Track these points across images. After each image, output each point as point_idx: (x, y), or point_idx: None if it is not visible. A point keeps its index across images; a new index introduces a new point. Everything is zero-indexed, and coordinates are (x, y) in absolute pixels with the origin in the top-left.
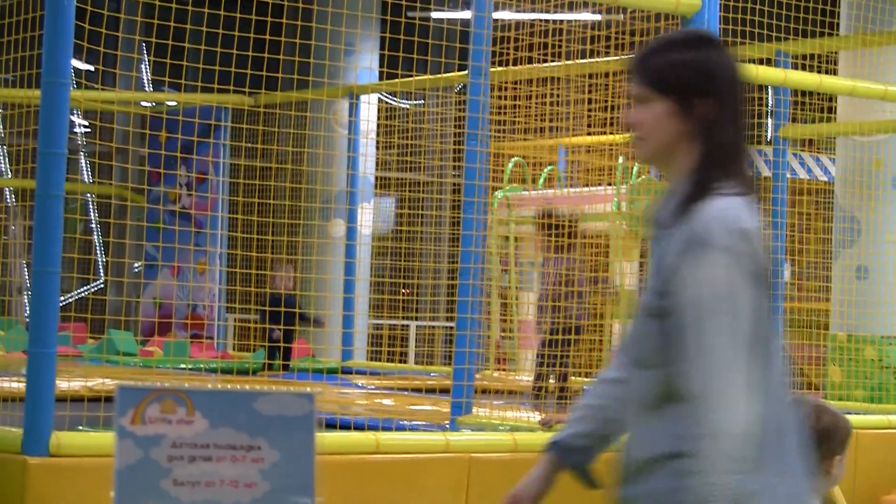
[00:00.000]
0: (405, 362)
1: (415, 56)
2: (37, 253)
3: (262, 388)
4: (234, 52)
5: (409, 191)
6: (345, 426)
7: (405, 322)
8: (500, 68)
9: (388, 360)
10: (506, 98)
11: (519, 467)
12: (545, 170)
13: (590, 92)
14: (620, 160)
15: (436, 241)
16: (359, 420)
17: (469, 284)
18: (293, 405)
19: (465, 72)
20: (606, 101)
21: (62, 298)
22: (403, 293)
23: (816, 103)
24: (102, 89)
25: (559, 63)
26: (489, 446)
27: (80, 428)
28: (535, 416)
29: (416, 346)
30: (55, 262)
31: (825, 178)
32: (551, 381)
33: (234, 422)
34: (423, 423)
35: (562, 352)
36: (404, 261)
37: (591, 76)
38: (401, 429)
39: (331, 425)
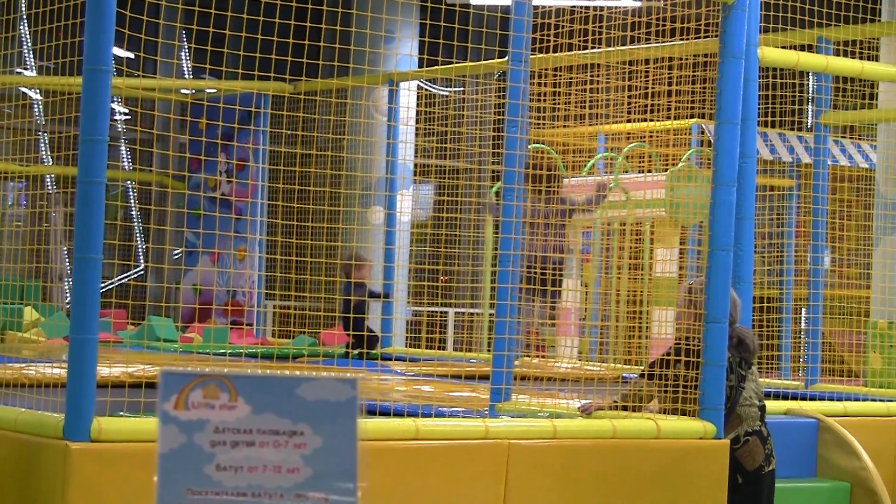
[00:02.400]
0: (444, 349)
1: (454, 43)
2: (78, 239)
3: (305, 373)
4: (274, 38)
5: (449, 178)
6: (384, 412)
7: (444, 309)
8: (540, 55)
9: (426, 347)
10: (545, 85)
11: (558, 454)
12: (596, 157)
13: (630, 79)
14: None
15: (475, 228)
16: (398, 406)
17: (508, 271)
18: (336, 390)
19: (505, 59)
20: (646, 89)
21: (103, 285)
22: (441, 280)
23: (857, 90)
24: (143, 76)
25: (599, 50)
26: (528, 433)
27: (122, 413)
28: (575, 403)
29: (454, 333)
30: (97, 248)
31: (866, 165)
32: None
33: (276, 407)
34: (463, 409)
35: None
36: (444, 247)
37: (631, 63)
38: (440, 415)
39: (371, 412)
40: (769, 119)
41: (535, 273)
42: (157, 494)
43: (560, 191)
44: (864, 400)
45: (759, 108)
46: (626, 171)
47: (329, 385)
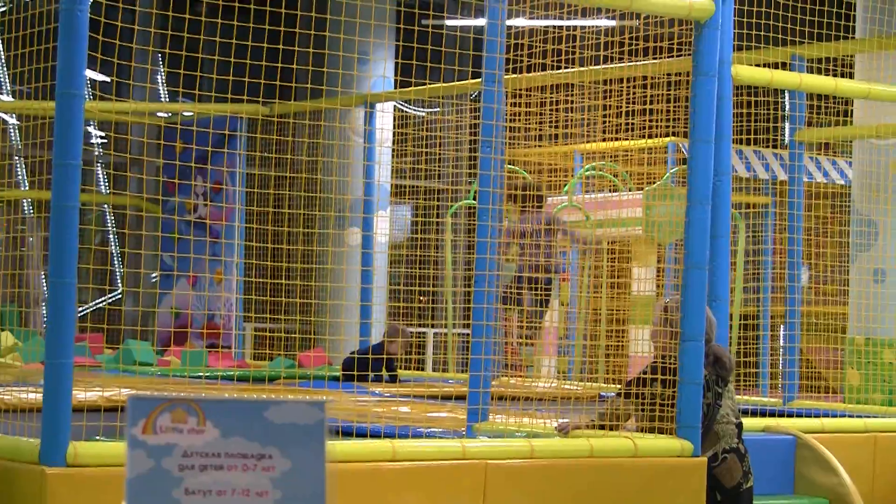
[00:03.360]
0: (423, 370)
1: (429, 64)
2: (53, 263)
3: (274, 396)
4: (249, 61)
5: (426, 199)
6: (361, 434)
7: (422, 329)
8: (514, 75)
9: (405, 368)
10: (520, 105)
11: (536, 473)
12: (574, 177)
13: (605, 98)
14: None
15: (452, 248)
16: (375, 428)
17: (484, 291)
18: (304, 413)
19: (480, 79)
20: (620, 108)
21: (80, 309)
22: (420, 301)
23: (833, 107)
24: (118, 100)
25: (573, 70)
26: (506, 453)
27: (98, 438)
28: (552, 423)
29: (433, 354)
30: (71, 272)
31: (842, 182)
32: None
33: (245, 431)
34: (440, 430)
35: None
36: (419, 268)
37: (605, 82)
38: (417, 436)
39: (347, 433)
40: (746, 137)
41: (519, 293)
42: None
43: (545, 208)
44: (842, 416)
45: (735, 126)
46: (601, 191)
47: (297, 408)
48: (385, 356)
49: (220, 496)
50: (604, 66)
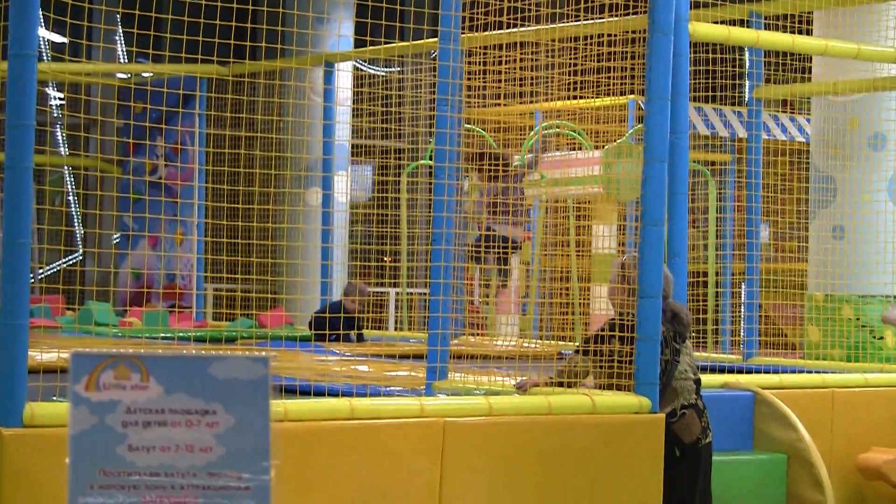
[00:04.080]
0: (384, 329)
1: (388, 23)
2: (7, 225)
3: (216, 352)
4: (207, 21)
5: (385, 158)
6: (319, 393)
7: (383, 290)
8: (471, 34)
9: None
10: (479, 64)
11: (494, 431)
12: (531, 133)
13: (564, 56)
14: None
15: (411, 207)
16: (333, 387)
17: (442, 250)
18: (248, 369)
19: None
20: (579, 66)
21: (40, 270)
22: (386, 261)
23: (793, 64)
24: (76, 61)
25: (530, 28)
26: (464, 410)
27: (55, 399)
28: (511, 381)
29: (395, 313)
30: (26, 233)
31: (802, 139)
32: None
33: (188, 387)
34: (399, 388)
35: None
36: (378, 228)
37: (564, 40)
38: (375, 394)
39: (305, 392)
40: (707, 94)
41: (479, 252)
42: (69, 475)
43: (510, 169)
44: (801, 372)
45: (695, 84)
46: (559, 149)
47: (241, 363)
48: (355, 315)
49: (163, 452)
50: (560, 25)
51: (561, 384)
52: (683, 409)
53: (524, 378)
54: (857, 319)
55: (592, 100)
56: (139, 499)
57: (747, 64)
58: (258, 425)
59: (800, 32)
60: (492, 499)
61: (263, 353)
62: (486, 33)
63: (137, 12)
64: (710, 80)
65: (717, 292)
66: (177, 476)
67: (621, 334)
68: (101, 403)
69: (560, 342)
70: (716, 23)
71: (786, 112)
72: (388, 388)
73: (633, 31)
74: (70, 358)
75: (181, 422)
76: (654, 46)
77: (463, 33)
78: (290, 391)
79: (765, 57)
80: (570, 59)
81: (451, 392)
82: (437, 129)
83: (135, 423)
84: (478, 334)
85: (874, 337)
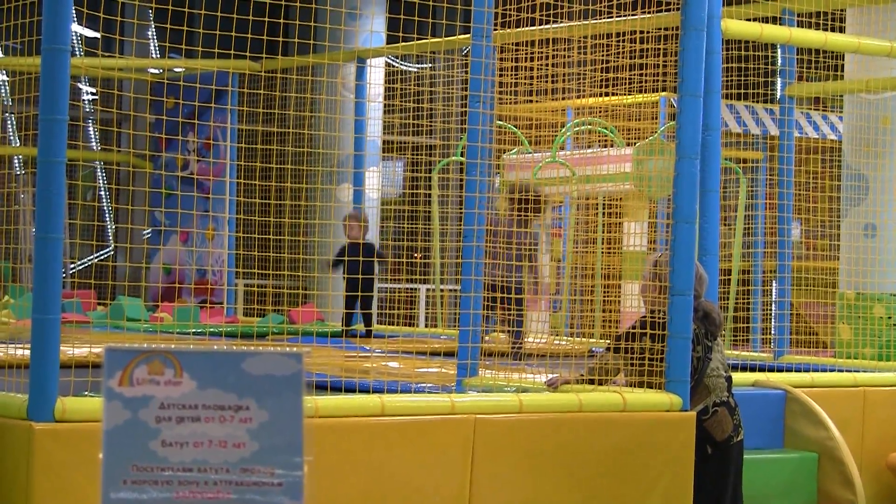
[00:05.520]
0: (415, 325)
1: (421, 19)
2: (40, 219)
3: (250, 348)
4: (240, 16)
5: (417, 154)
6: (350, 389)
7: (414, 286)
8: (503, 31)
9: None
10: (512, 60)
11: (524, 428)
12: (562, 131)
13: (597, 53)
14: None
15: (442, 204)
16: (364, 383)
17: (473, 246)
18: (281, 365)
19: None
20: (608, 63)
21: (72, 265)
22: (415, 258)
23: (827, 62)
24: (109, 56)
25: (561, 25)
26: (494, 407)
27: (86, 393)
28: (542, 378)
29: (426, 310)
30: (58, 227)
31: (833, 137)
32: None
33: (222, 382)
34: (430, 385)
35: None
36: (409, 224)
37: (597, 37)
38: (406, 391)
39: (336, 388)
40: (741, 91)
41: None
42: (102, 470)
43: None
44: (832, 371)
45: (730, 81)
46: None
47: (274, 359)
48: (366, 244)
49: (196, 447)
50: (593, 21)
51: (592, 381)
52: (715, 406)
53: (555, 375)
54: (889, 318)
55: (624, 97)
56: (171, 494)
57: (780, 61)
58: (291, 421)
59: (832, 30)
60: (522, 495)
61: (297, 349)
62: (518, 30)
63: (170, 7)
64: (742, 78)
65: (747, 290)
66: (210, 472)
67: (652, 332)
68: (134, 399)
69: (590, 339)
70: (748, 20)
71: (818, 110)
72: (418, 385)
73: (666, 28)
74: (104, 353)
75: (214, 417)
76: (686, 43)
77: (495, 30)
78: (320, 387)
79: (797, 54)
80: (603, 55)
81: (481, 389)
82: (469, 125)
83: (168, 418)
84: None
85: None
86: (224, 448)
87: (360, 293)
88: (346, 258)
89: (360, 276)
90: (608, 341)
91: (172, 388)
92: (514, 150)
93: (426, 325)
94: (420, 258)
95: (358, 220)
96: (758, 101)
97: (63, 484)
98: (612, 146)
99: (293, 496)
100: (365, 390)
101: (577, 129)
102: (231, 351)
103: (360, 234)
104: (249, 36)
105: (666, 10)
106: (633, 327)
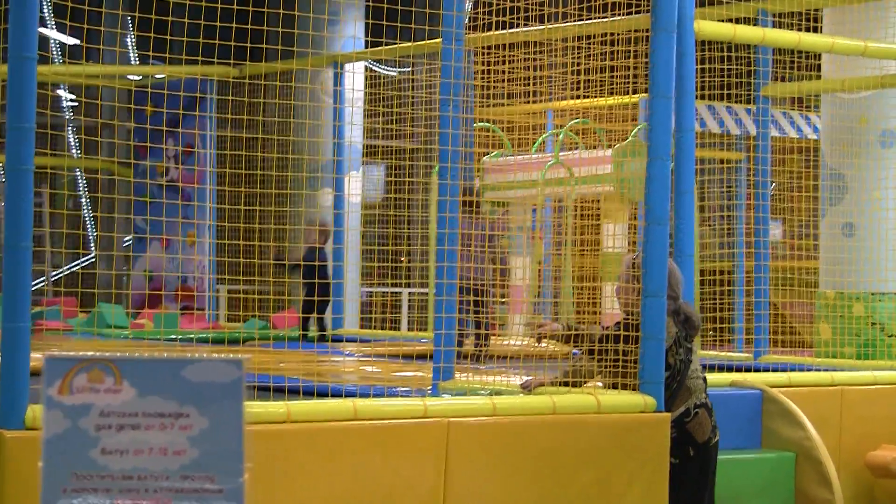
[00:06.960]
0: (398, 329)
1: (399, 24)
2: (8, 227)
3: (191, 355)
4: (219, 23)
5: (398, 158)
6: (323, 393)
7: (396, 290)
8: (476, 34)
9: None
10: (491, 63)
11: (498, 431)
12: (543, 134)
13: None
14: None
15: (425, 207)
16: (337, 387)
17: (445, 250)
18: (222, 372)
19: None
20: (581, 65)
21: (53, 273)
22: (402, 261)
23: (807, 62)
24: (89, 64)
25: (533, 28)
26: (467, 410)
27: None
28: (517, 380)
29: (409, 314)
30: (26, 236)
31: (814, 137)
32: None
33: (162, 390)
34: (404, 388)
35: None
36: (393, 228)
37: (571, 40)
38: (379, 395)
39: (309, 393)
40: (722, 92)
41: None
42: (41, 479)
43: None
44: (811, 370)
45: (708, 82)
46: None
47: (215, 366)
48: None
49: (137, 455)
50: (565, 24)
51: (567, 384)
52: (696, 408)
53: (530, 378)
54: (868, 317)
55: (604, 99)
56: (111, 502)
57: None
58: (232, 428)
59: (810, 30)
60: (496, 499)
61: (238, 356)
62: (489, 33)
63: (150, 16)
64: (724, 78)
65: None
66: (150, 479)
67: (627, 333)
68: (74, 407)
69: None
70: (727, 21)
71: (798, 110)
72: (393, 389)
73: (637, 30)
74: (43, 361)
75: (155, 425)
76: (656, 45)
77: (468, 33)
78: (294, 392)
79: (777, 55)
80: (575, 58)
81: (456, 392)
82: (441, 129)
83: (108, 426)
84: (492, 335)
85: (885, 335)
86: (164, 455)
87: (316, 297)
88: (301, 263)
89: (316, 281)
90: (585, 344)
91: (112, 396)
92: (495, 154)
93: (408, 329)
94: (406, 262)
95: (314, 225)
96: (738, 102)
97: (34, 492)
98: (596, 149)
99: (234, 503)
100: (338, 394)
101: (555, 132)
102: (171, 358)
103: (318, 239)
104: (229, 43)
105: (637, 13)
106: (606, 328)
